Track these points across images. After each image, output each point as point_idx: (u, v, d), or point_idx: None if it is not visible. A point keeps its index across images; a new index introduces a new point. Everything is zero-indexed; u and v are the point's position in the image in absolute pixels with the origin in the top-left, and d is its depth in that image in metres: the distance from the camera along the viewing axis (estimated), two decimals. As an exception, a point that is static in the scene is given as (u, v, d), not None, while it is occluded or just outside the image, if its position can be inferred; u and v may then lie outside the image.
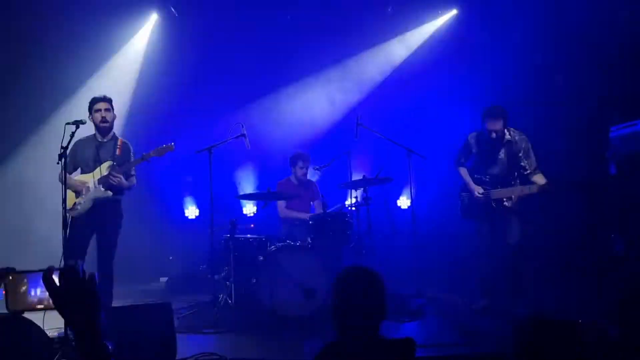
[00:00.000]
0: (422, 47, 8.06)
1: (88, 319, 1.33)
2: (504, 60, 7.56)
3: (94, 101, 4.88)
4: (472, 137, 5.33)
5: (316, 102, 7.64)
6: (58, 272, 1.34)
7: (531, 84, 7.50)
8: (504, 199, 5.12)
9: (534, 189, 5.00)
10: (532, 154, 5.14)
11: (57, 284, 1.33)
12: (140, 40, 7.74)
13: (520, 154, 5.14)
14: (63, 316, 1.34)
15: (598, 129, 5.61)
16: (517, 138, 5.13)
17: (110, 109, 4.89)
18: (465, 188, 5.39)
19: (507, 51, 7.57)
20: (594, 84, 6.70)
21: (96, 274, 1.46)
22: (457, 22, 7.97)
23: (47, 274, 1.32)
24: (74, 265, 1.34)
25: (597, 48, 6.81)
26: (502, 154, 5.17)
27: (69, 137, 4.36)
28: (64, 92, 7.18)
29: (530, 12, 7.21)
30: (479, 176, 5.31)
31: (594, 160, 6.03)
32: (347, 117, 6.64)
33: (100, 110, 4.83)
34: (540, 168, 5.19)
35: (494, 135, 5.06)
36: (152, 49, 7.74)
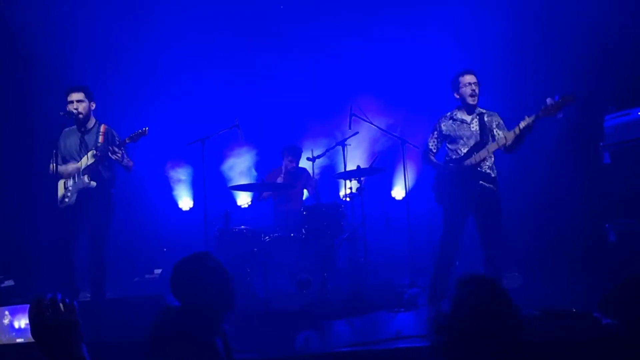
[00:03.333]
0: (417, 37, 8.05)
1: (69, 354, 1.27)
2: (499, 50, 7.55)
3: (67, 92, 4.75)
4: (442, 120, 4.86)
5: (312, 93, 7.60)
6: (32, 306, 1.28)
7: (525, 73, 7.50)
8: (481, 181, 4.62)
9: (502, 140, 4.52)
10: (505, 128, 4.73)
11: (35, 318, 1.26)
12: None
13: (494, 125, 4.72)
14: (42, 351, 1.27)
15: (592, 118, 5.60)
16: (487, 113, 4.78)
17: (83, 99, 4.73)
18: (438, 182, 4.85)
19: (502, 41, 7.56)
20: (588, 73, 6.70)
21: (76, 303, 1.35)
22: (451, 11, 7.95)
23: (35, 308, 1.27)
24: (53, 299, 1.28)
25: (591, 37, 6.80)
26: (474, 125, 4.71)
27: (60, 128, 4.34)
28: (53, 84, 7.11)
29: (525, 1, 7.21)
30: (455, 157, 4.74)
31: (588, 150, 6.04)
32: (341, 107, 6.61)
33: (72, 101, 4.70)
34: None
35: (471, 91, 4.66)
36: (144, 38, 7.70)
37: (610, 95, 5.87)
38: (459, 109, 4.83)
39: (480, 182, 4.62)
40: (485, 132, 4.66)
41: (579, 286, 5.35)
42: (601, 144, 5.31)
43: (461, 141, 4.73)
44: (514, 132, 4.43)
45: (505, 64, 7.49)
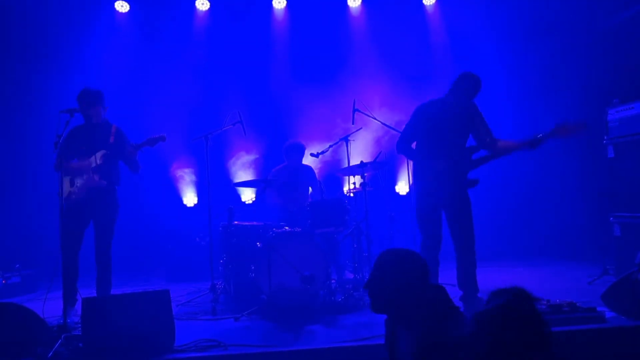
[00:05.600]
0: (417, 32, 8.06)
1: None
2: (499, 44, 7.54)
3: (83, 100, 4.73)
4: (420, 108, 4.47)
5: (315, 89, 7.60)
6: None
7: (528, 67, 7.49)
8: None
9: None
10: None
11: None
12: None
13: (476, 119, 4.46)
14: None
15: (596, 112, 5.59)
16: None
17: (100, 112, 4.78)
18: (422, 175, 4.39)
19: (503, 34, 7.55)
20: (591, 67, 6.69)
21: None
22: (452, 6, 7.96)
23: None
24: None
25: (595, 31, 6.78)
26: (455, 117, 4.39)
27: (64, 126, 4.34)
28: (56, 82, 7.16)
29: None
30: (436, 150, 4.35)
31: (592, 144, 6.03)
32: (344, 103, 6.62)
33: (90, 117, 4.76)
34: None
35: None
36: (150, 36, 7.76)
37: (614, 89, 5.86)
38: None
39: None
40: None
41: (584, 279, 5.36)
42: (605, 138, 5.29)
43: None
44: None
45: (505, 58, 7.48)
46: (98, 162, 4.69)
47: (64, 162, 4.37)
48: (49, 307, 4.19)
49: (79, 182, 4.71)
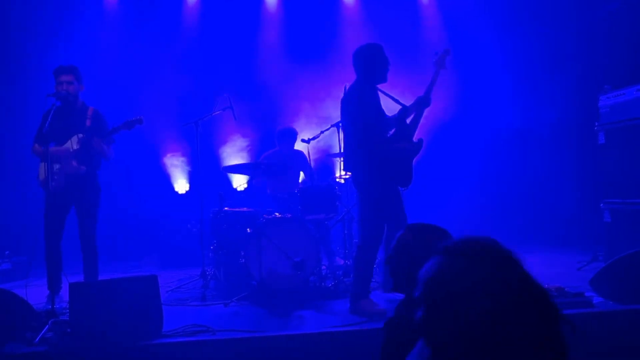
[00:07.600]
0: (411, 18, 8.01)
1: None
2: (496, 32, 7.51)
3: (57, 72, 4.61)
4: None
5: (305, 75, 7.55)
6: None
7: (524, 54, 7.46)
8: None
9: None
10: None
11: None
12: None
13: None
14: None
15: (587, 98, 5.58)
16: None
17: (72, 81, 4.60)
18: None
19: (498, 21, 7.52)
20: (582, 53, 6.68)
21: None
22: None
23: None
24: None
25: (589, 17, 6.76)
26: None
27: (51, 110, 4.28)
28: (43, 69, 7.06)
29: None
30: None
31: (583, 130, 6.03)
32: (336, 89, 6.56)
33: (62, 83, 4.57)
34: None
35: None
36: (140, 22, 7.67)
37: (607, 75, 5.85)
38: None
39: None
40: None
41: (573, 265, 5.39)
42: (596, 124, 5.28)
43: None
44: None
45: (500, 45, 7.45)
46: (75, 147, 4.56)
47: (41, 146, 4.31)
48: (31, 293, 4.13)
49: (56, 166, 4.55)
